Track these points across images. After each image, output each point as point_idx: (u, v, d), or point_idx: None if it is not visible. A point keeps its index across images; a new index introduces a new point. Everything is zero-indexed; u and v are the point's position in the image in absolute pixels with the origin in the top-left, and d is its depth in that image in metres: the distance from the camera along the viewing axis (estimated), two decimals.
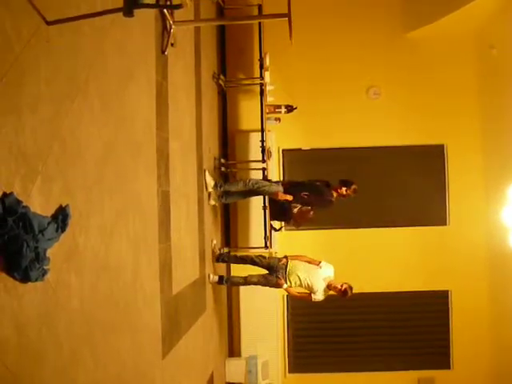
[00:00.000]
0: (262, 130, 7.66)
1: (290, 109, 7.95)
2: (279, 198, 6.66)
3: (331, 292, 6.43)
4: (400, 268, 8.43)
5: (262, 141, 7.67)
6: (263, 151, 7.62)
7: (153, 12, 4.35)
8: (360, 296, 8.07)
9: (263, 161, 7.59)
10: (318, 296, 6.40)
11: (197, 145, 6.02)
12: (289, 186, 6.85)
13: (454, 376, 8.49)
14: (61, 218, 2.49)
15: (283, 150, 8.59)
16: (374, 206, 8.58)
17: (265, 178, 7.43)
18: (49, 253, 2.36)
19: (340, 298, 6.40)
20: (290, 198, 6.63)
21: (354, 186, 6.62)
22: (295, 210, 6.70)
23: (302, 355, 8.69)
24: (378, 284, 8.39)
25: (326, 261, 6.60)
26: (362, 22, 8.52)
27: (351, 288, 6.26)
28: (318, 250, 7.88)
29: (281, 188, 6.80)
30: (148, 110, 4.15)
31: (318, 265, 6.53)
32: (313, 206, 6.68)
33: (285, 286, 6.51)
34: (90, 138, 2.95)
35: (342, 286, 6.25)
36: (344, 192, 6.61)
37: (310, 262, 6.60)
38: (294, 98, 8.17)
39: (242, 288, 8.00)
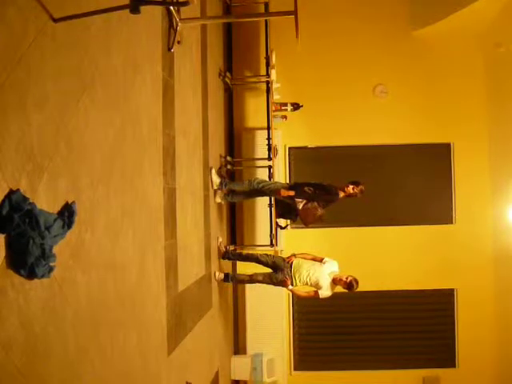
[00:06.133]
0: (269, 128, 7.66)
1: (296, 106, 7.94)
2: (282, 194, 6.61)
3: (338, 288, 6.43)
4: (406, 266, 8.42)
5: (269, 138, 7.67)
6: (269, 149, 7.62)
7: (159, 9, 4.35)
8: (365, 294, 8.09)
9: (269, 159, 7.60)
10: (325, 292, 6.38)
11: (203, 142, 6.02)
12: (293, 184, 6.83)
13: (459, 374, 8.47)
14: (67, 214, 2.50)
15: (289, 148, 8.58)
16: (380, 204, 8.57)
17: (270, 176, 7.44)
18: (55, 250, 2.37)
19: (347, 291, 6.37)
20: (292, 193, 6.56)
21: (361, 186, 6.56)
22: (300, 206, 6.61)
23: (307, 353, 8.70)
24: (384, 282, 8.39)
25: (332, 258, 6.61)
26: (368, 20, 8.50)
27: (356, 281, 6.24)
28: (324, 248, 7.87)
29: (285, 186, 6.78)
30: (154, 107, 4.16)
31: (321, 261, 6.54)
32: (318, 201, 6.59)
33: (290, 287, 6.50)
34: (96, 136, 2.96)
35: (347, 278, 6.25)
36: (351, 190, 6.54)
37: (314, 259, 6.62)
38: (301, 96, 8.17)
39: (247, 286, 8.01)
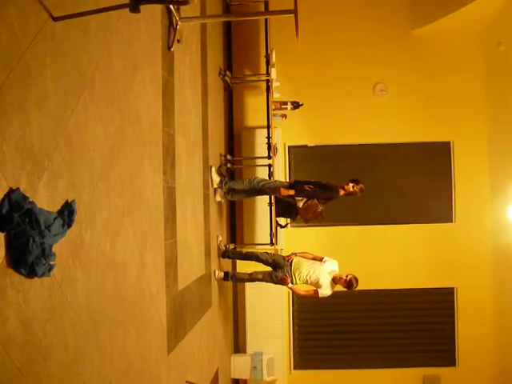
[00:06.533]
0: (268, 127, 7.65)
1: (296, 105, 7.94)
2: (282, 193, 6.61)
3: (338, 287, 6.42)
4: (405, 265, 8.42)
5: (268, 137, 7.66)
6: (269, 148, 7.62)
7: (159, 8, 4.35)
8: (365, 293, 8.09)
9: (269, 157, 7.59)
10: (325, 291, 6.38)
11: (203, 141, 6.02)
12: (293, 182, 6.83)
13: (459, 373, 8.48)
14: (67, 213, 2.50)
15: (289, 147, 8.58)
16: (379, 203, 8.57)
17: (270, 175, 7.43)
18: (55, 248, 2.37)
19: (346, 290, 6.36)
20: (292, 192, 6.55)
21: (361, 185, 6.56)
22: (300, 204, 6.60)
23: (307, 352, 8.70)
24: (384, 281, 8.39)
25: (331, 257, 6.61)
26: (368, 18, 8.49)
27: (356, 279, 6.23)
28: (324, 246, 7.88)
29: (285, 184, 6.77)
30: (154, 105, 4.15)
31: (321, 260, 6.54)
32: (318, 198, 6.58)
33: (290, 285, 6.50)
34: (95, 135, 2.96)
35: (347, 276, 6.25)
36: (351, 189, 6.53)
37: (314, 259, 6.62)
38: (300, 95, 8.16)
39: (247, 284, 8.01)
